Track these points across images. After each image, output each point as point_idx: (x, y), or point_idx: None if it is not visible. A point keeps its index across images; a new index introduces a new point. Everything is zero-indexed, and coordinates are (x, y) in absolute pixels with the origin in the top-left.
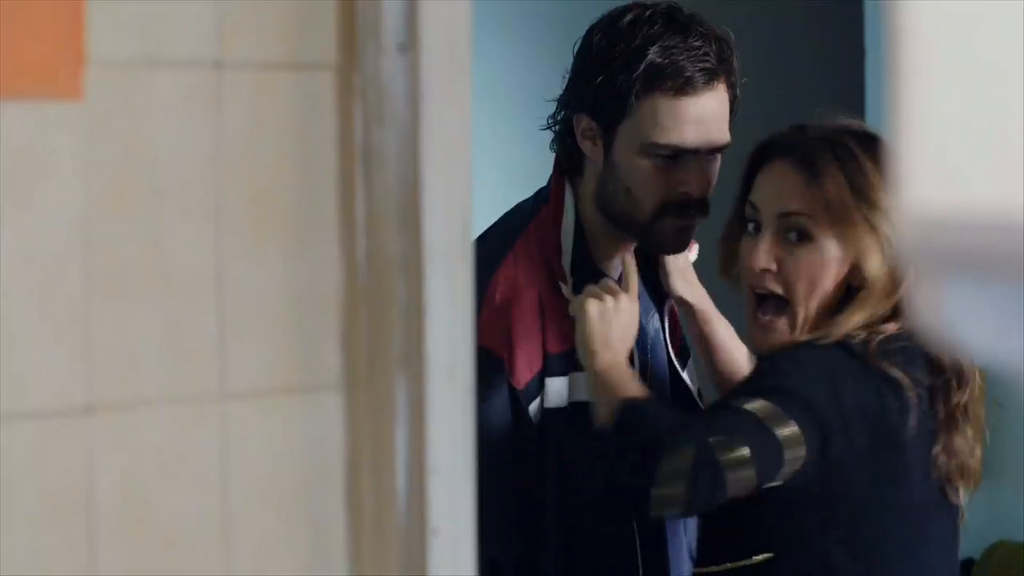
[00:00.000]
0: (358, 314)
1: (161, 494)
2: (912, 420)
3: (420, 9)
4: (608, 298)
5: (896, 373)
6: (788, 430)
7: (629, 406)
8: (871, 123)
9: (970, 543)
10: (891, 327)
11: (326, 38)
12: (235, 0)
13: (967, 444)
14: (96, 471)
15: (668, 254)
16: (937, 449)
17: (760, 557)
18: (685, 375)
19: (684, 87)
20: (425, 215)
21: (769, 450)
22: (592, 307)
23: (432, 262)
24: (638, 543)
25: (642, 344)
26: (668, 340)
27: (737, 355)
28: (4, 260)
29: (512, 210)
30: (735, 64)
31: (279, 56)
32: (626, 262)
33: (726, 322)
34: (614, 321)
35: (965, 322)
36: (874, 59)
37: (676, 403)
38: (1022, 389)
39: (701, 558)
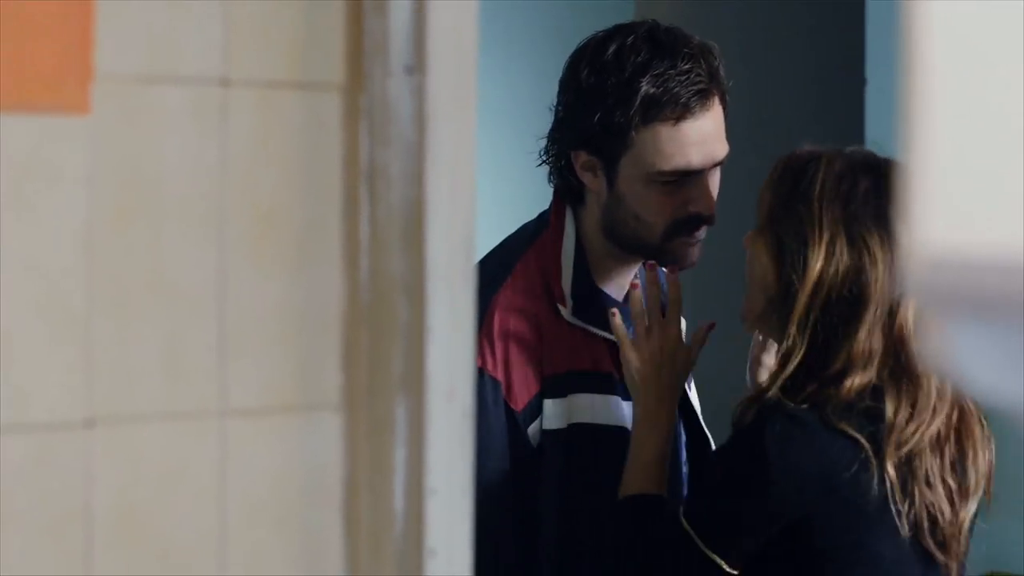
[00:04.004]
0: (359, 334)
1: (159, 510)
2: (874, 475)
3: (427, 31)
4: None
5: (852, 432)
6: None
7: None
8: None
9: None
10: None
11: (333, 58)
12: (243, 18)
13: (934, 498)
14: (94, 485)
15: (681, 268)
16: (898, 505)
17: None
18: (691, 395)
19: (682, 114)
20: (428, 237)
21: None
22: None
23: (434, 283)
24: None
25: None
26: None
27: None
28: (7, 272)
29: (514, 233)
30: (722, 72)
31: (285, 75)
32: (671, 289)
33: None
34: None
35: (970, 362)
36: (875, 89)
37: (683, 422)
38: (1022, 426)
39: None
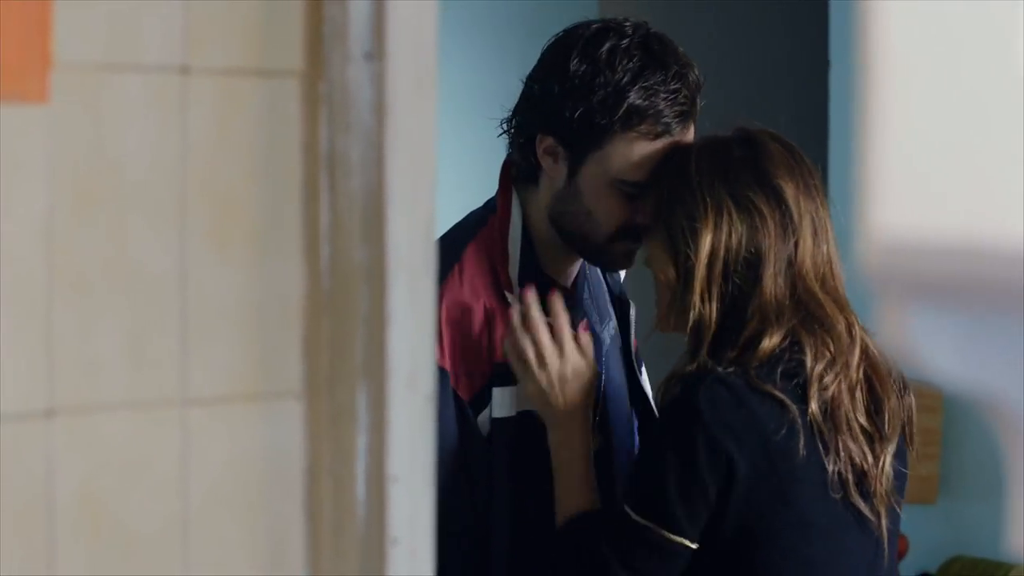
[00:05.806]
0: (320, 322)
1: (121, 499)
2: (800, 438)
3: (387, 18)
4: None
5: (778, 393)
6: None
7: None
8: (835, 136)
9: (927, 558)
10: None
11: (292, 45)
12: (202, 6)
13: (856, 447)
14: (56, 475)
15: (615, 271)
16: (829, 464)
17: None
18: (643, 381)
19: (661, 132)
20: (389, 224)
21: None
22: (530, 353)
23: (395, 271)
24: None
25: (596, 354)
26: (626, 347)
27: None
28: None
29: (462, 220)
30: (700, 94)
31: (245, 62)
32: (553, 305)
33: None
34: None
35: (927, 346)
36: (839, 71)
37: (634, 411)
38: (980, 410)
39: None
